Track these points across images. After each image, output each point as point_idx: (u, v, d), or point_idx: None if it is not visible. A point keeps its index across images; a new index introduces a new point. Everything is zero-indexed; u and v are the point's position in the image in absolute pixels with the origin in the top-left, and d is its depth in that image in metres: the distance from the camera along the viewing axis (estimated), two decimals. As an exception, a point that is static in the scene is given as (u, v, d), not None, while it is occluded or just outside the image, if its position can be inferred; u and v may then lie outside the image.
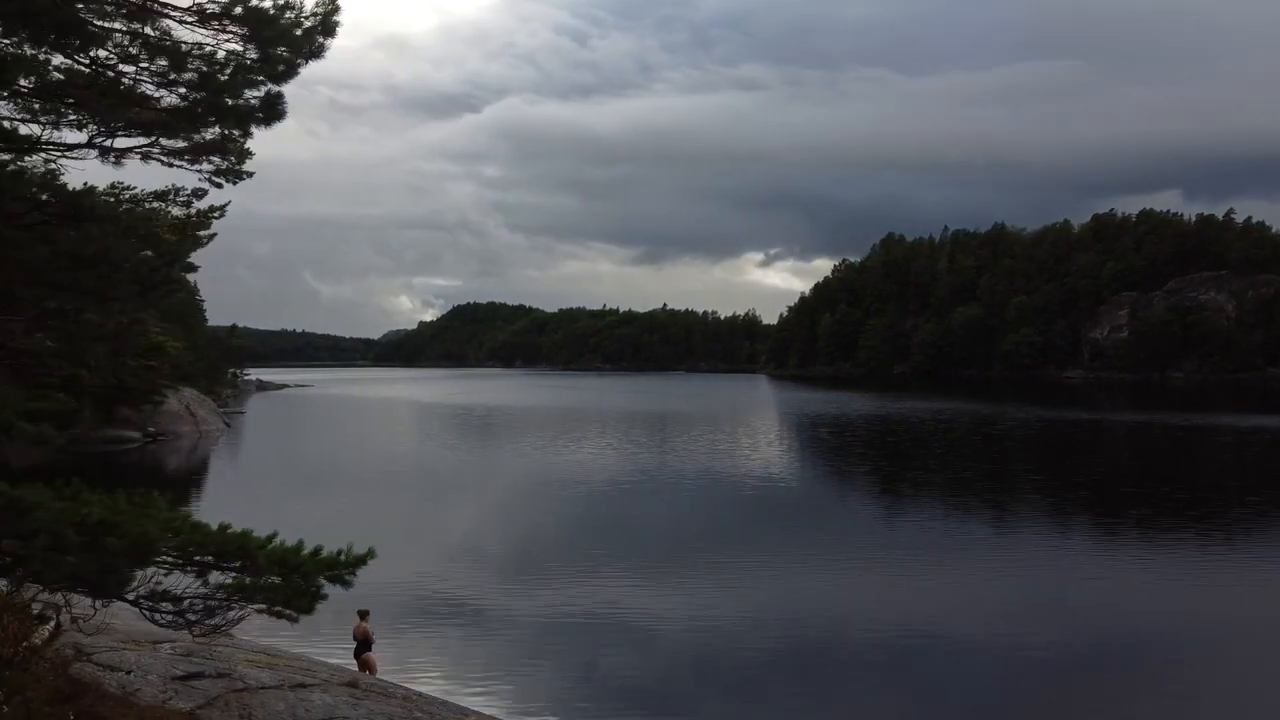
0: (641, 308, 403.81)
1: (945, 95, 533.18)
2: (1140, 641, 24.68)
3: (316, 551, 8.83)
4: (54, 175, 11.08)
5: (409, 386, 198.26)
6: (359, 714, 9.36)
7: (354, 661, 15.98)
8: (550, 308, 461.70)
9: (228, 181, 11.22)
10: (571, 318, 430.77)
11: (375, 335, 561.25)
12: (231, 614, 8.92)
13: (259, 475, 64.67)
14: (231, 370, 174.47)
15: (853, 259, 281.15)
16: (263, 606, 8.78)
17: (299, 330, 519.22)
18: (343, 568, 8.84)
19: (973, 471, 58.07)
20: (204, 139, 10.39)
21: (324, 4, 9.27)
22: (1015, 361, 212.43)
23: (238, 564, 9.04)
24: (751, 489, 51.07)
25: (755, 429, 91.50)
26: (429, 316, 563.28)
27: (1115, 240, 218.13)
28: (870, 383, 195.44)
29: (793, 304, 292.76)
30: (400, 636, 23.99)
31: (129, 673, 9.50)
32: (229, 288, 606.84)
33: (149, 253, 10.51)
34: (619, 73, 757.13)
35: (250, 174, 11.21)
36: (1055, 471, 59.73)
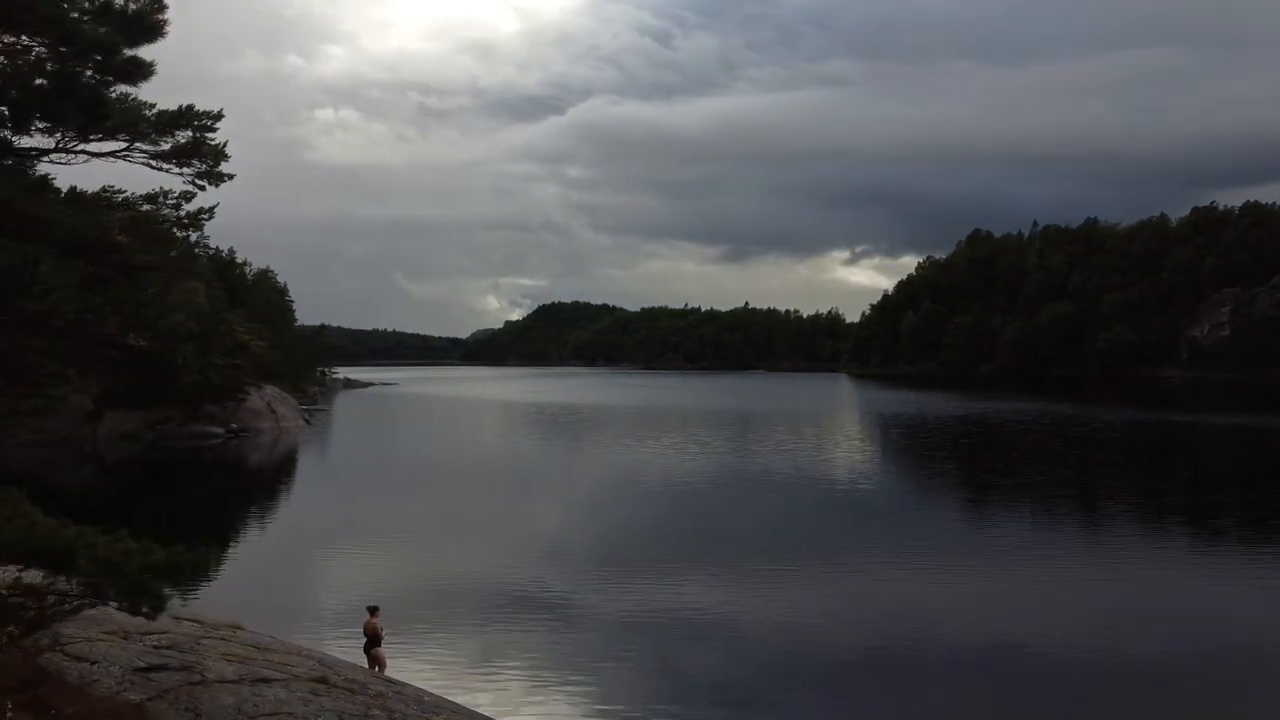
0: (725, 306, 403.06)
1: (1038, 87, 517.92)
2: (1236, 654, 23.49)
3: (150, 552, 8.90)
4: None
5: (489, 385, 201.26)
6: (309, 710, 9.45)
7: (364, 657, 16.24)
8: (633, 307, 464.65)
9: (210, 184, 11.45)
10: (653, 317, 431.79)
11: (463, 335, 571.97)
12: (50, 611, 8.99)
13: (332, 470, 66.46)
14: (320, 369, 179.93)
15: (938, 256, 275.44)
16: (87, 602, 8.85)
17: (390, 330, 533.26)
18: (178, 571, 8.84)
19: (1062, 475, 55.94)
20: (178, 142, 10.61)
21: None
22: (1108, 361, 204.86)
23: (53, 564, 9.08)
24: (833, 490, 50.28)
25: (835, 429, 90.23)
26: (515, 316, 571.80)
27: (1216, 234, 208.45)
28: (954, 382, 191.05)
29: (875, 302, 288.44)
30: (482, 631, 24.76)
31: (94, 663, 9.77)
32: (324, 288, 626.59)
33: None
34: (702, 72, 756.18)
35: (230, 176, 11.42)
36: (1149, 477, 57.41)
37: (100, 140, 10.44)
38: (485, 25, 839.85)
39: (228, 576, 32.60)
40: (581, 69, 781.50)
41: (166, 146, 10.74)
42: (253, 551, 38.00)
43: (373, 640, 16.07)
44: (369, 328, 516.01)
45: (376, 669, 15.95)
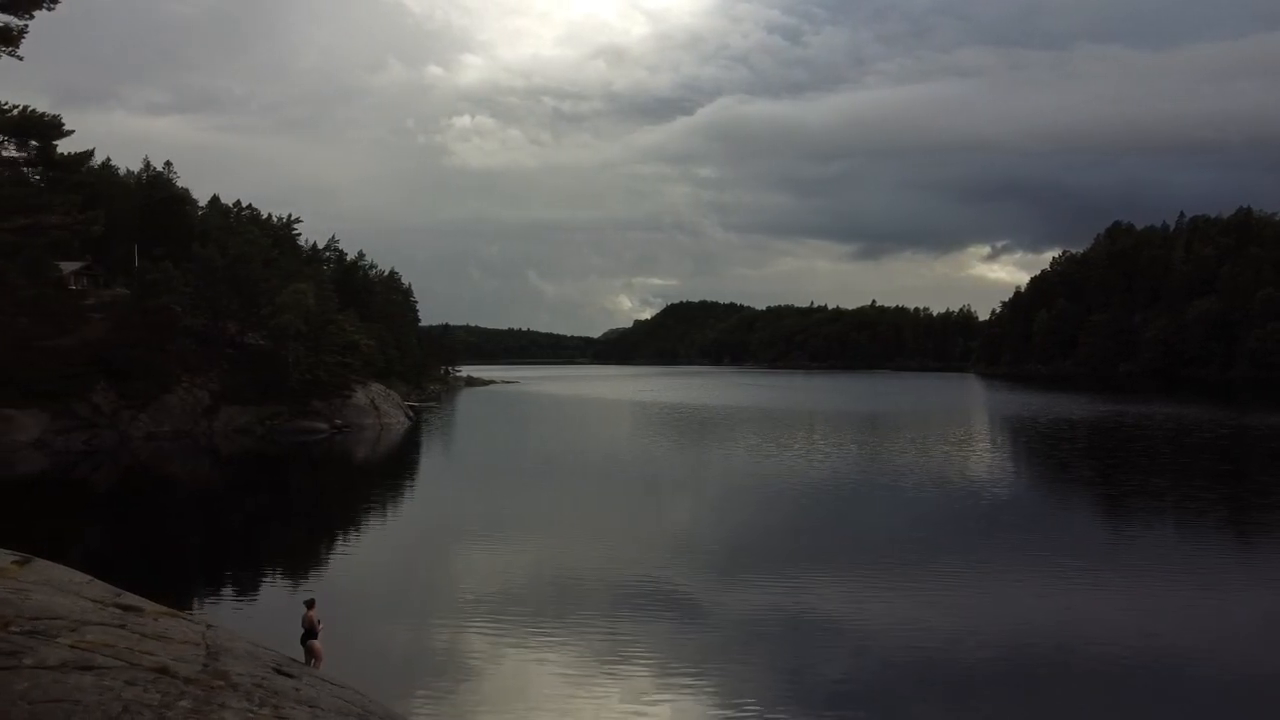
0: (858, 304, 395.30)
1: (1192, 69, 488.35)
2: None
3: None
4: None
5: (606, 384, 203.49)
6: (101, 699, 9.90)
7: (302, 648, 16.93)
8: (761, 305, 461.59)
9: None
10: (778, 315, 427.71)
11: (595, 334, 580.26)
12: None
13: (425, 467, 68.64)
14: (444, 367, 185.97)
15: (1074, 250, 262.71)
16: None
17: (525, 329, 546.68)
18: None
19: (1211, 485, 52.35)
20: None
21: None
22: (1262, 360, 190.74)
23: None
24: (963, 495, 48.75)
25: (963, 432, 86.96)
26: (646, 315, 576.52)
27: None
28: (1091, 382, 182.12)
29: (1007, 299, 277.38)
30: (610, 627, 25.52)
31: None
32: (462, 289, 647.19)
33: None
34: (832, 67, 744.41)
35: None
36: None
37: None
38: (616, 30, 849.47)
39: (338, 568, 34.67)
40: (711, 69, 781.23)
41: None
42: (352, 544, 39.99)
43: (309, 632, 16.73)
44: (504, 327, 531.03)
45: (313, 661, 16.60)
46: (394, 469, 67.76)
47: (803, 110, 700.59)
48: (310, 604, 17.21)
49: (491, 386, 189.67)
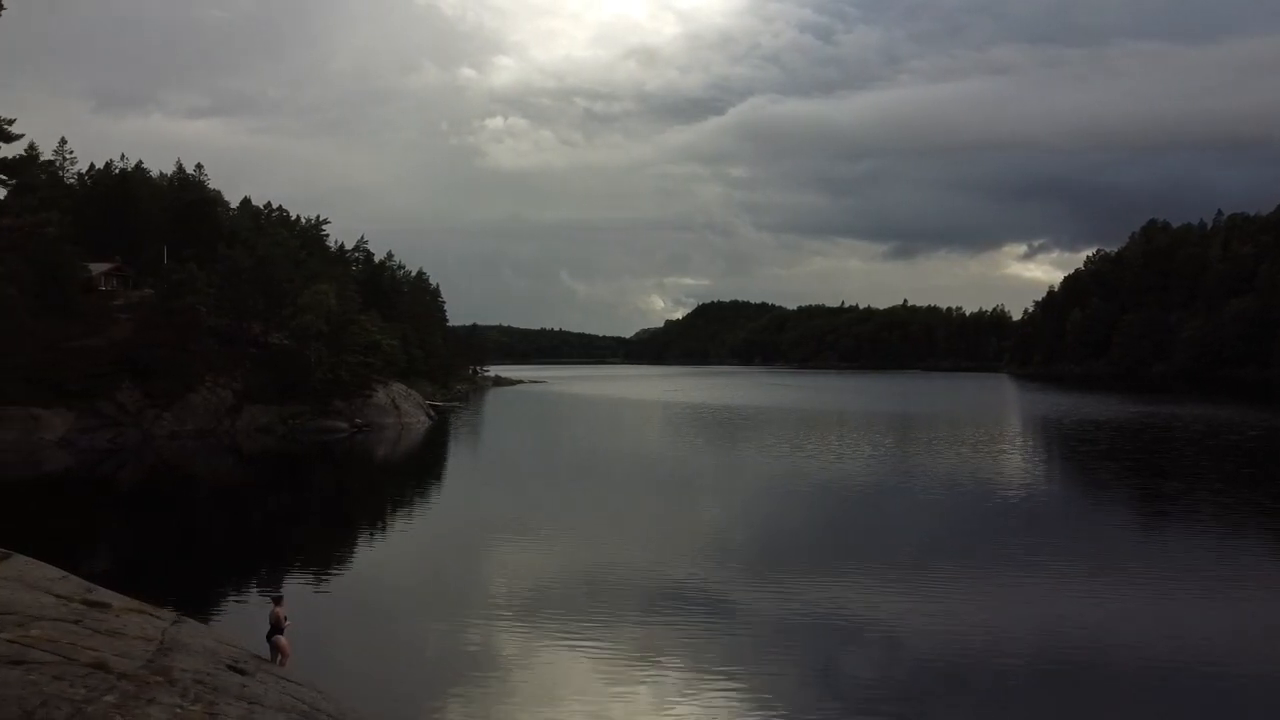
0: (890, 304, 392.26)
1: (1232, 65, 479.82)
2: None
3: None
4: None
5: (633, 384, 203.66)
6: (22, 692, 10.17)
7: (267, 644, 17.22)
8: (793, 305, 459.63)
9: None
10: (809, 315, 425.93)
11: (628, 334, 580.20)
12: None
13: (437, 466, 69.17)
14: (472, 366, 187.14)
15: (1108, 249, 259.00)
16: None
17: (557, 329, 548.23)
18: None
19: (1249, 488, 51.15)
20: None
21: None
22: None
23: None
24: (996, 498, 48.05)
25: (994, 433, 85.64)
26: (679, 315, 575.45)
27: None
28: (1124, 383, 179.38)
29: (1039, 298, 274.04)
30: (642, 623, 25.79)
31: None
32: (494, 288, 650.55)
33: None
34: (864, 66, 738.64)
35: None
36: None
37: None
38: (648, 31, 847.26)
39: (360, 566, 35.23)
40: (743, 69, 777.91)
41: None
42: (374, 542, 40.45)
43: (275, 628, 16.99)
44: (536, 327, 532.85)
45: (279, 658, 16.86)
46: (413, 468, 68.38)
47: (835, 109, 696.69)
48: (278, 600, 17.46)
49: (518, 386, 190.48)
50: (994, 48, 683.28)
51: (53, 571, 17.30)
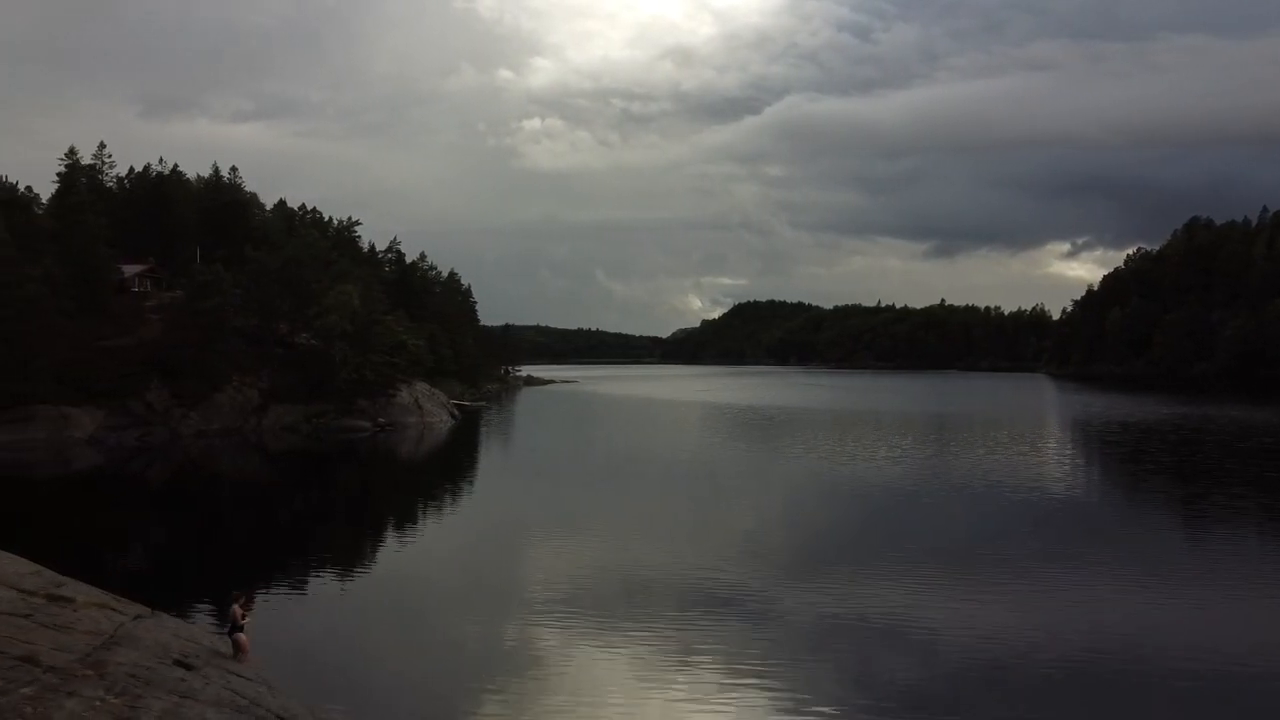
0: (928, 304, 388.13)
1: (1278, 59, 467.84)
2: None
3: None
4: None
5: (670, 383, 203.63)
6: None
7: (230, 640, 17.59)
8: (830, 305, 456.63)
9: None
10: (845, 314, 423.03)
11: (664, 334, 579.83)
12: None
13: (457, 465, 69.70)
14: (504, 366, 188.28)
15: (1149, 247, 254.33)
16: None
17: (594, 329, 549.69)
18: None
19: None
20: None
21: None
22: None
23: None
24: (1034, 501, 47.32)
25: (1033, 435, 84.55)
26: (715, 315, 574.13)
27: None
28: (1165, 383, 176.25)
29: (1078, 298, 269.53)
30: (677, 623, 25.85)
31: None
32: (531, 288, 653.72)
33: None
34: (902, 64, 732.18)
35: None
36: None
37: None
38: (685, 31, 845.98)
39: (387, 562, 35.77)
40: (779, 68, 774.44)
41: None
42: (402, 540, 40.78)
43: (234, 626, 17.32)
44: (573, 327, 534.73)
45: (239, 654, 17.21)
46: (436, 467, 68.94)
47: (873, 107, 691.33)
48: (237, 598, 17.78)
49: (549, 386, 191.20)
50: (1034, 44, 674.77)
51: (24, 566, 17.80)
